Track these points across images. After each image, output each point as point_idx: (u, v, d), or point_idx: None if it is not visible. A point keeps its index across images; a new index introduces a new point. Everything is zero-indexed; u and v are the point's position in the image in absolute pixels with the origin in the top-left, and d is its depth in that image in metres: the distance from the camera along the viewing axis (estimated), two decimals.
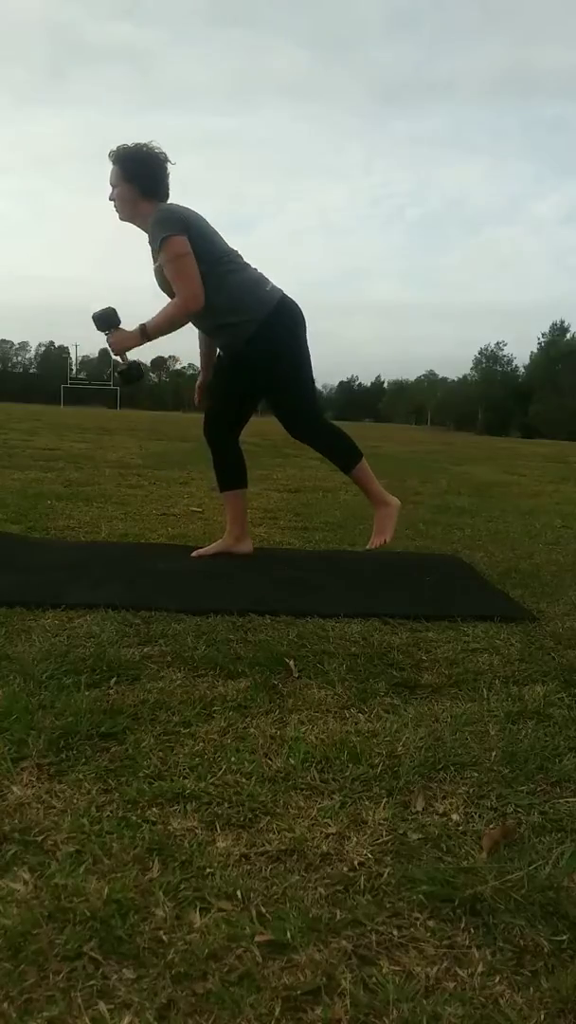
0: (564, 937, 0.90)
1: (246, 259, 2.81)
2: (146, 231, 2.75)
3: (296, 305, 2.83)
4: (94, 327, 2.76)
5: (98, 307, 2.75)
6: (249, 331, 2.71)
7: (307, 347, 2.86)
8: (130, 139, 2.74)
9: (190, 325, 2.81)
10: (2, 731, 1.33)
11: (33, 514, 3.64)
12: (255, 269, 2.81)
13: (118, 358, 2.78)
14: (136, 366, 2.83)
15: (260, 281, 2.77)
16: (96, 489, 4.79)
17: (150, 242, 2.73)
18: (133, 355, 2.77)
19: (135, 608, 2.09)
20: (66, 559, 2.67)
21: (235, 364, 2.82)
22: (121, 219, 2.79)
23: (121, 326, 2.74)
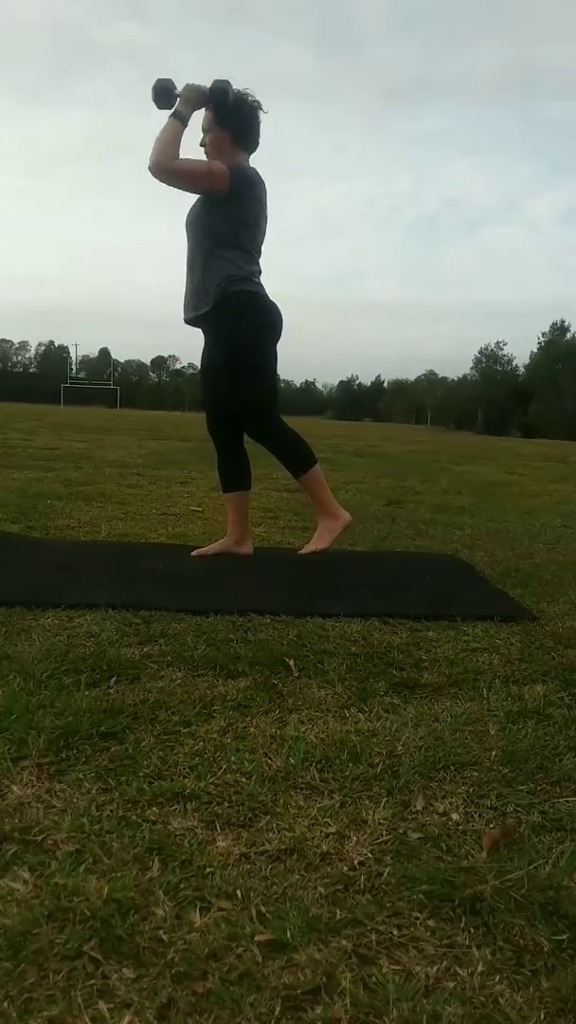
0: (564, 937, 0.90)
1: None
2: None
3: (274, 307, 2.82)
4: (158, 105, 2.67)
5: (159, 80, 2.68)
6: (213, 300, 2.70)
7: (272, 351, 2.82)
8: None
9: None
10: (2, 731, 1.33)
11: (33, 514, 3.64)
12: (258, 265, 2.81)
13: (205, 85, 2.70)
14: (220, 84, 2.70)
15: (254, 273, 2.77)
16: (96, 489, 4.79)
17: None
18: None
19: (135, 608, 2.09)
20: (66, 559, 2.67)
21: (212, 344, 2.82)
22: (203, 163, 2.73)
23: (167, 77, 2.68)
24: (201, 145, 2.77)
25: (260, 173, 2.76)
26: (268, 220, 2.80)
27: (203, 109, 2.71)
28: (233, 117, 2.71)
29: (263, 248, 2.83)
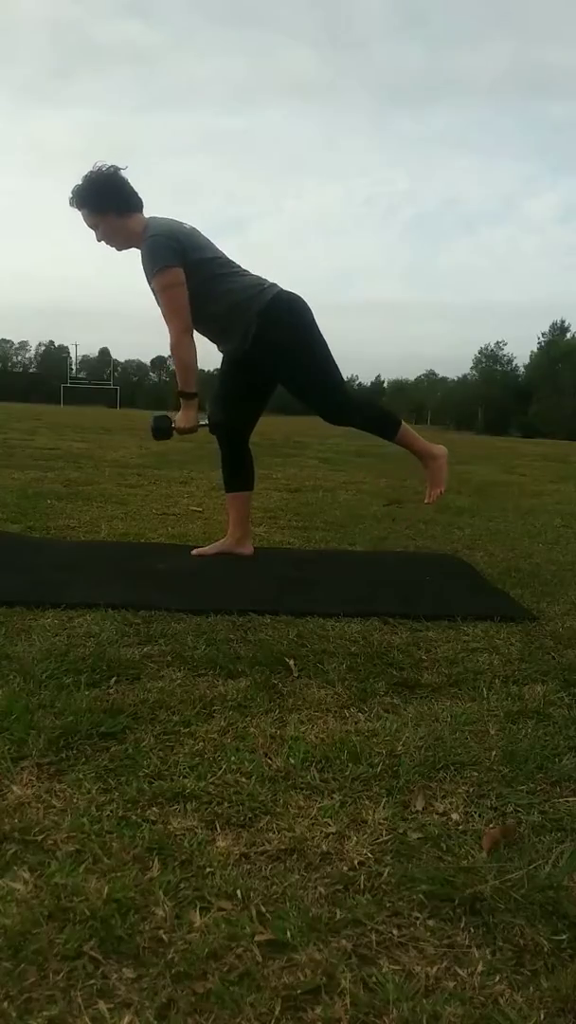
0: (564, 937, 0.90)
1: (246, 259, 2.80)
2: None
3: (295, 297, 2.78)
4: (155, 438, 2.76)
5: (154, 419, 2.76)
6: (252, 332, 2.70)
7: (318, 334, 2.79)
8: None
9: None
10: (2, 731, 1.33)
11: (33, 514, 3.64)
12: (249, 272, 2.79)
13: (202, 423, 2.76)
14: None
15: (255, 282, 2.75)
16: (96, 489, 4.79)
17: (143, 269, 2.70)
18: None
19: (135, 608, 2.09)
20: (66, 559, 2.67)
21: (243, 364, 2.80)
22: (120, 250, 2.76)
23: (168, 415, 2.76)
24: (99, 241, 2.76)
25: (160, 217, 2.72)
26: (207, 235, 2.76)
27: (77, 210, 2.72)
28: (104, 196, 2.67)
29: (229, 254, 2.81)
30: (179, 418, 2.70)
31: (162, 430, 2.70)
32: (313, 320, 2.80)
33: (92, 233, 2.73)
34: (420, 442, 2.89)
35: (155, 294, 2.67)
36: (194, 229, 2.74)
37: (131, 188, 2.70)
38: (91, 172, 2.67)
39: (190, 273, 2.62)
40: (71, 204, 2.70)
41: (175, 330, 2.65)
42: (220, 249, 2.77)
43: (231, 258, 2.78)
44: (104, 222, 2.68)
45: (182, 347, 2.66)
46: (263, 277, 2.79)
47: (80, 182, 2.66)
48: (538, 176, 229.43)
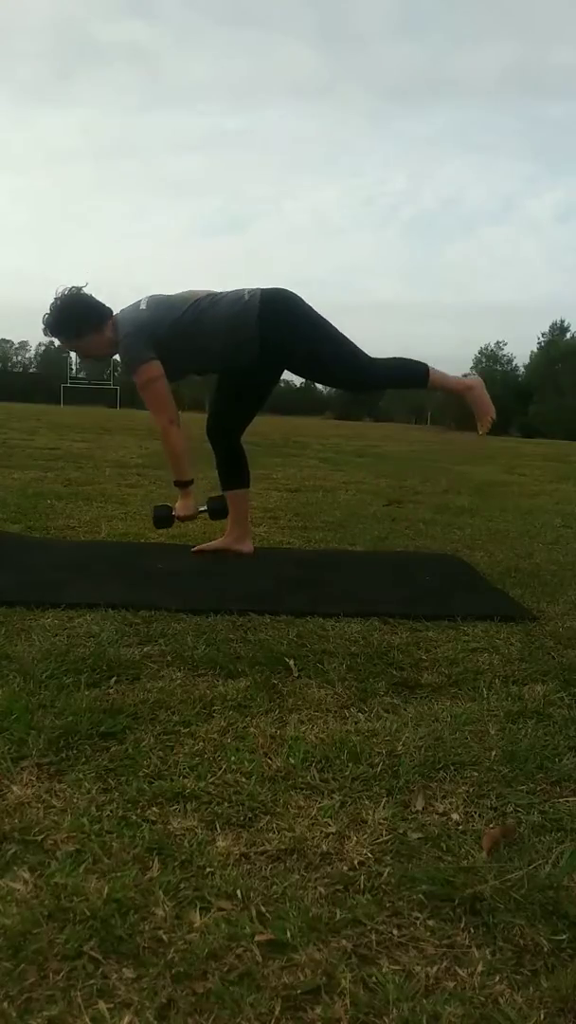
0: (564, 937, 0.90)
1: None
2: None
3: (279, 290, 2.78)
4: (156, 527, 2.84)
5: (155, 511, 2.85)
6: (254, 349, 2.69)
7: (316, 314, 2.78)
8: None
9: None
10: (2, 731, 1.33)
11: (33, 514, 3.64)
12: (224, 292, 2.79)
13: (201, 509, 2.83)
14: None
15: (238, 296, 2.73)
16: (96, 488, 4.79)
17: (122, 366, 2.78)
18: None
19: (135, 608, 2.09)
20: (66, 559, 2.68)
21: (252, 371, 2.78)
22: (105, 359, 2.87)
23: (168, 504, 2.83)
24: (86, 359, 2.86)
25: (127, 310, 2.76)
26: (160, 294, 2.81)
27: (55, 341, 2.83)
28: (76, 321, 2.73)
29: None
30: (178, 507, 2.79)
31: (163, 519, 2.78)
32: (306, 304, 2.81)
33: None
34: (451, 380, 2.89)
35: (138, 391, 2.76)
36: (151, 298, 2.78)
37: (95, 302, 2.78)
38: (56, 301, 2.75)
39: (175, 332, 2.67)
40: (45, 335, 2.80)
41: (161, 423, 2.75)
42: (190, 291, 2.82)
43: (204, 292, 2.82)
44: (82, 343, 2.77)
45: (170, 438, 2.77)
46: (239, 289, 2.78)
47: (48, 313, 2.76)
48: (538, 176, 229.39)
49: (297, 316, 2.75)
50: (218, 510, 2.80)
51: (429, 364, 2.84)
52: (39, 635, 1.85)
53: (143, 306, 2.75)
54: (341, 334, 2.80)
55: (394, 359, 2.89)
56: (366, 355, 2.84)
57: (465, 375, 2.95)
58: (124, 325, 2.72)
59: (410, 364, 2.87)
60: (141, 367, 2.68)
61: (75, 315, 2.73)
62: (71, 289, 2.76)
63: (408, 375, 2.88)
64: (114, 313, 2.77)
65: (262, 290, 2.75)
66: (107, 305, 2.78)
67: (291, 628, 2.01)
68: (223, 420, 2.91)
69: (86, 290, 2.78)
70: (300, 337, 2.74)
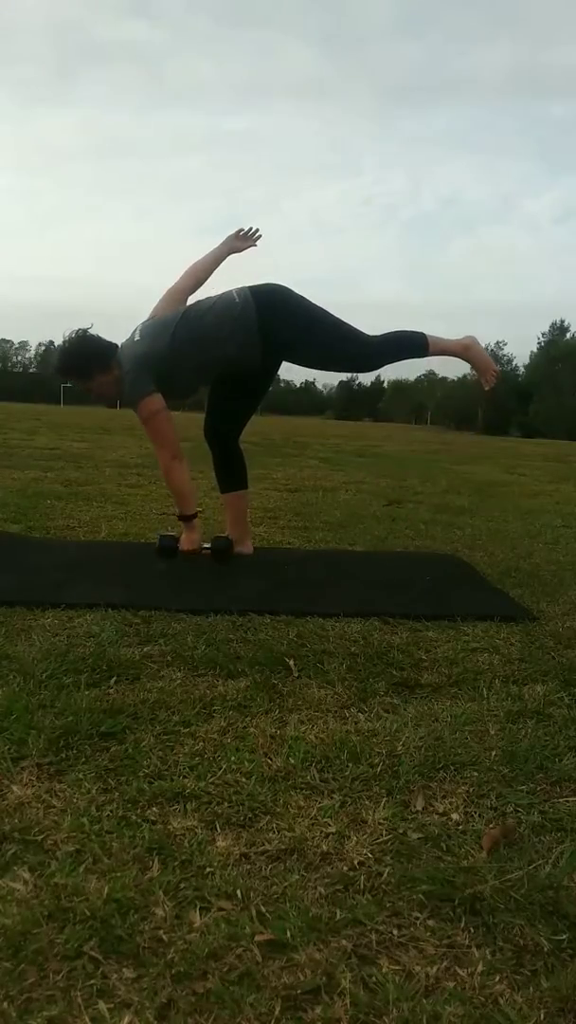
0: (564, 937, 0.90)
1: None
2: None
3: (269, 286, 2.78)
4: (160, 557, 2.79)
5: (161, 540, 2.81)
6: (257, 349, 2.69)
7: (308, 305, 2.78)
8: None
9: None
10: (2, 731, 1.33)
11: (33, 514, 3.64)
12: (210, 298, 2.79)
13: (205, 547, 2.81)
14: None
15: (230, 297, 2.73)
16: (96, 488, 4.79)
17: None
18: None
19: (135, 608, 2.09)
20: (66, 559, 2.67)
21: (251, 371, 2.78)
22: (117, 398, 2.88)
23: (174, 535, 2.82)
24: (99, 400, 2.90)
25: (128, 343, 2.76)
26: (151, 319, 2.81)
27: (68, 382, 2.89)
28: (86, 362, 2.75)
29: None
30: (183, 541, 2.78)
31: (168, 549, 2.77)
32: (296, 293, 2.82)
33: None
34: (449, 343, 2.92)
35: (142, 425, 2.78)
36: (144, 326, 2.78)
37: (101, 343, 2.80)
38: (64, 345, 2.81)
39: (173, 352, 2.67)
40: (56, 376, 2.89)
41: (163, 458, 2.77)
42: (171, 290, 2.86)
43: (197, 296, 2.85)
44: (92, 385, 2.77)
45: (173, 473, 2.77)
46: (225, 292, 2.78)
47: (58, 357, 2.84)
48: (538, 176, 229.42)
49: (292, 308, 2.76)
50: (222, 550, 2.80)
51: (426, 334, 2.87)
52: (39, 635, 1.85)
53: (137, 337, 2.76)
54: (335, 317, 2.82)
55: (392, 333, 2.91)
56: (364, 333, 2.86)
57: (464, 342, 2.95)
58: (124, 362, 2.73)
59: (409, 334, 2.90)
60: (141, 402, 2.69)
61: (82, 357, 2.77)
62: (77, 332, 2.80)
63: (408, 345, 2.90)
64: (118, 347, 2.78)
65: (251, 289, 2.75)
66: (111, 342, 2.79)
67: (291, 628, 2.01)
68: (222, 421, 2.91)
69: (92, 331, 2.80)
70: (299, 328, 2.75)
